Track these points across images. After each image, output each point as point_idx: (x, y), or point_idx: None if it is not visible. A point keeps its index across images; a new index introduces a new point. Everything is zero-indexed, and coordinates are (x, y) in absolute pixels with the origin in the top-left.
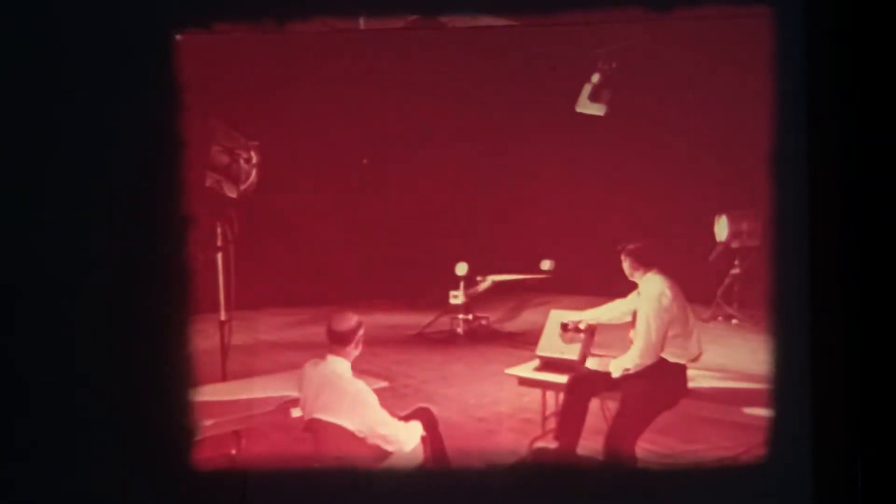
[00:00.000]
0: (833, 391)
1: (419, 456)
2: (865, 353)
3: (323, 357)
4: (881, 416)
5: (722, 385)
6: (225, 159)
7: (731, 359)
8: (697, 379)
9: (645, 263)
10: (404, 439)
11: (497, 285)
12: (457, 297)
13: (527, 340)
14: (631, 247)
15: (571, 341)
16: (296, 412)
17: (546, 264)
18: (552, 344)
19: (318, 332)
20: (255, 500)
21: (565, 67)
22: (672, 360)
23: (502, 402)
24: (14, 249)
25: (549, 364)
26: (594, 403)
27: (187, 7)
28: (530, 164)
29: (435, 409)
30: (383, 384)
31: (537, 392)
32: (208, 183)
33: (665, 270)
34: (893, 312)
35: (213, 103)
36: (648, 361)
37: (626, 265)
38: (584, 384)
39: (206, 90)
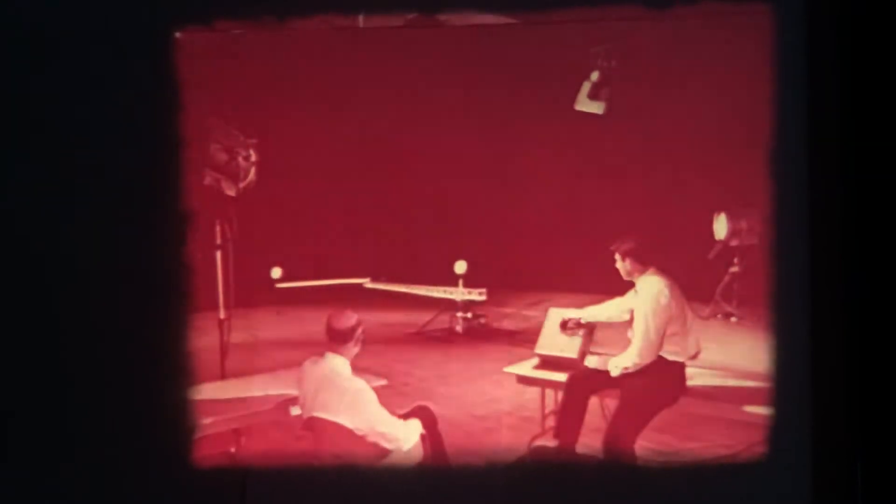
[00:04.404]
0: (833, 389)
1: (418, 454)
2: (865, 350)
3: (322, 355)
4: (881, 415)
5: (721, 383)
6: (224, 157)
7: (731, 357)
8: (696, 377)
9: (642, 262)
10: (403, 437)
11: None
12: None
13: (526, 338)
14: (627, 245)
15: (570, 339)
16: (295, 410)
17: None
18: (551, 342)
19: (317, 330)
20: (255, 499)
21: (564, 65)
22: (671, 358)
23: (501, 400)
24: (12, 247)
25: (548, 362)
26: (593, 401)
27: (187, 4)
28: (529, 161)
29: (434, 408)
30: (382, 382)
31: (536, 390)
32: (207, 181)
33: (664, 268)
34: (893, 310)
35: (213, 101)
36: (647, 360)
37: (622, 264)
38: (584, 382)
39: (206, 88)
